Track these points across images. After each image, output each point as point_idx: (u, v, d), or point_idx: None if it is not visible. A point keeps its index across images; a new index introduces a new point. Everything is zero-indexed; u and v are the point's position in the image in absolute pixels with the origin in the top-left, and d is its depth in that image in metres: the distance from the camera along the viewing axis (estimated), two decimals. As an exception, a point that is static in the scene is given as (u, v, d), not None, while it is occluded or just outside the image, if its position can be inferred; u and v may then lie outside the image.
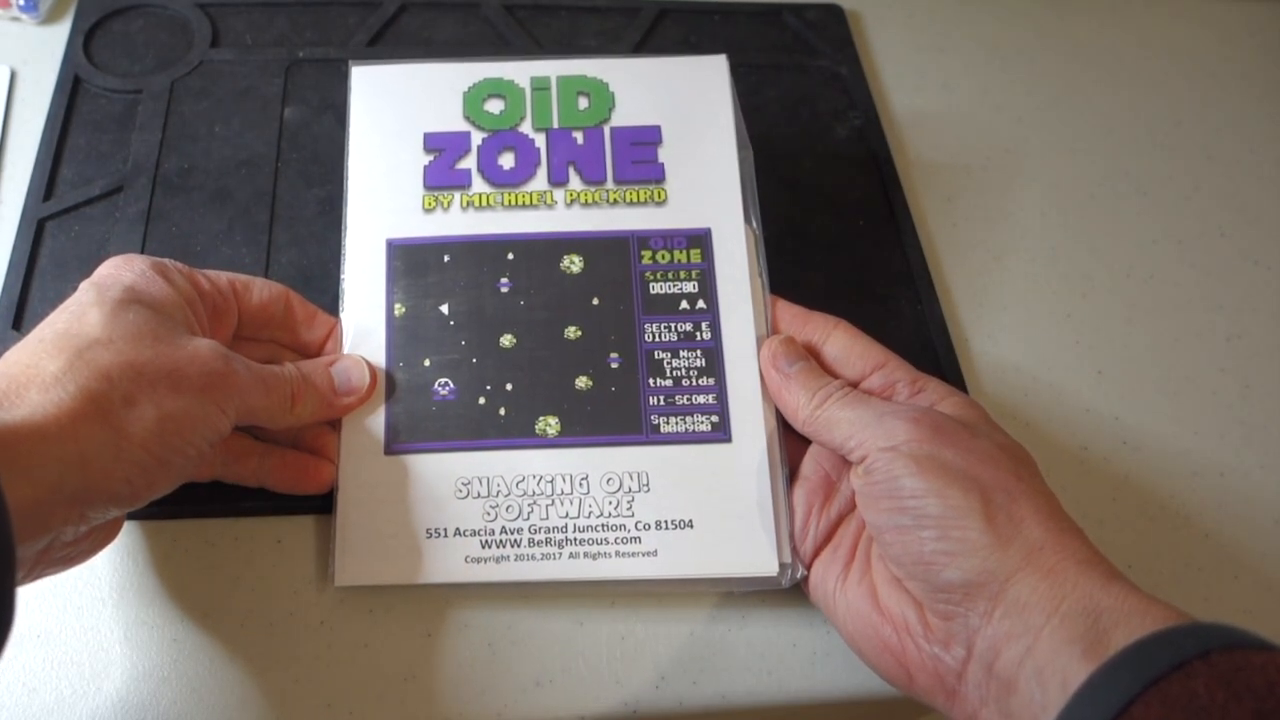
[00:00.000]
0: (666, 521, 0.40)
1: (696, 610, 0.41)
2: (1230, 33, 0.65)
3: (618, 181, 0.45)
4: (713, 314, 0.43)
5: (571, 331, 0.43)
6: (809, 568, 0.39)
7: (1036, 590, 0.32)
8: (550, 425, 0.41)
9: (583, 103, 0.46)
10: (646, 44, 0.58)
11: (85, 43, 0.53)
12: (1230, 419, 0.49)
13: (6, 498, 0.27)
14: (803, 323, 0.42)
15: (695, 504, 0.40)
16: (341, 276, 0.43)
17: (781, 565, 0.39)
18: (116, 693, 0.37)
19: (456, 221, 0.44)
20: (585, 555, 0.39)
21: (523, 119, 0.46)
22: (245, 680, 0.37)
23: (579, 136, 0.46)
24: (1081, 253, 0.54)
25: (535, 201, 0.44)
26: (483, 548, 0.39)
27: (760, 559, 0.39)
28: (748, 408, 0.41)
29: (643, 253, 0.44)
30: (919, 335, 0.48)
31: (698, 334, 0.43)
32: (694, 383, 0.42)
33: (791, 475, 0.41)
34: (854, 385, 0.40)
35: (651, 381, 0.42)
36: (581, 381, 0.42)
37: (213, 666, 0.38)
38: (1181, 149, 0.59)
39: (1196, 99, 0.62)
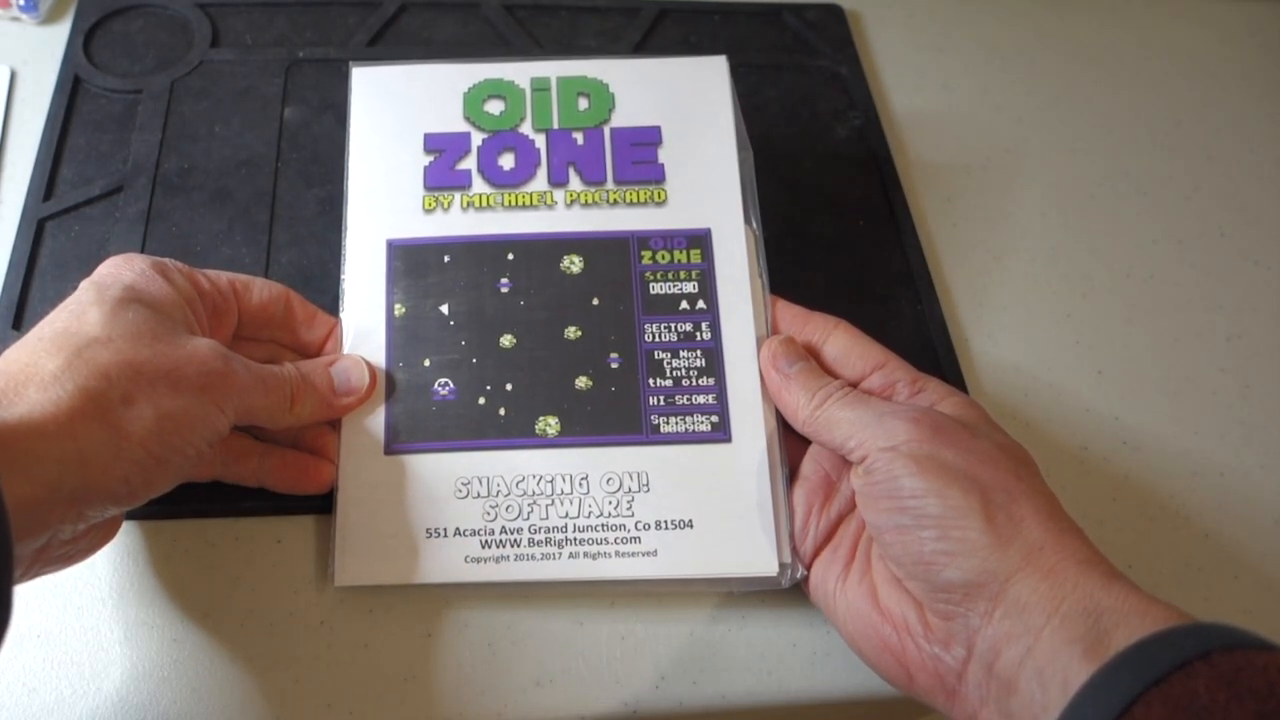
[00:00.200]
0: (666, 521, 0.40)
1: (696, 610, 0.41)
2: (1230, 33, 0.65)
3: (618, 182, 0.45)
4: (713, 314, 0.43)
5: (571, 331, 0.43)
6: (809, 568, 0.39)
7: (1037, 590, 0.32)
8: (550, 425, 0.41)
9: (583, 103, 0.46)
10: (646, 44, 0.58)
11: (85, 43, 0.53)
12: (1230, 419, 0.49)
13: (5, 496, 0.27)
14: (803, 323, 0.42)
15: (695, 504, 0.40)
16: (341, 276, 0.43)
17: (781, 565, 0.39)
18: (116, 693, 0.37)
19: (457, 222, 0.44)
20: (585, 555, 0.39)
21: (523, 120, 0.46)
22: (245, 680, 0.37)
23: (579, 137, 0.46)
24: (1081, 253, 0.54)
25: (535, 202, 0.44)
26: (482, 547, 0.39)
27: (760, 559, 0.39)
28: (748, 408, 0.41)
29: (643, 253, 0.44)
30: (919, 335, 0.48)
31: (698, 334, 0.43)
32: (694, 383, 0.42)
33: (791, 475, 0.41)
34: (854, 385, 0.40)
35: (651, 381, 0.42)
36: (581, 381, 0.42)
37: (213, 666, 0.38)
38: (1181, 149, 0.59)
39: (1196, 99, 0.62)
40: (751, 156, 0.46)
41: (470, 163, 0.45)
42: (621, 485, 0.40)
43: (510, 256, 0.44)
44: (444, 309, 0.43)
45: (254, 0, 0.56)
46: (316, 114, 0.52)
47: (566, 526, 0.40)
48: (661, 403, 0.42)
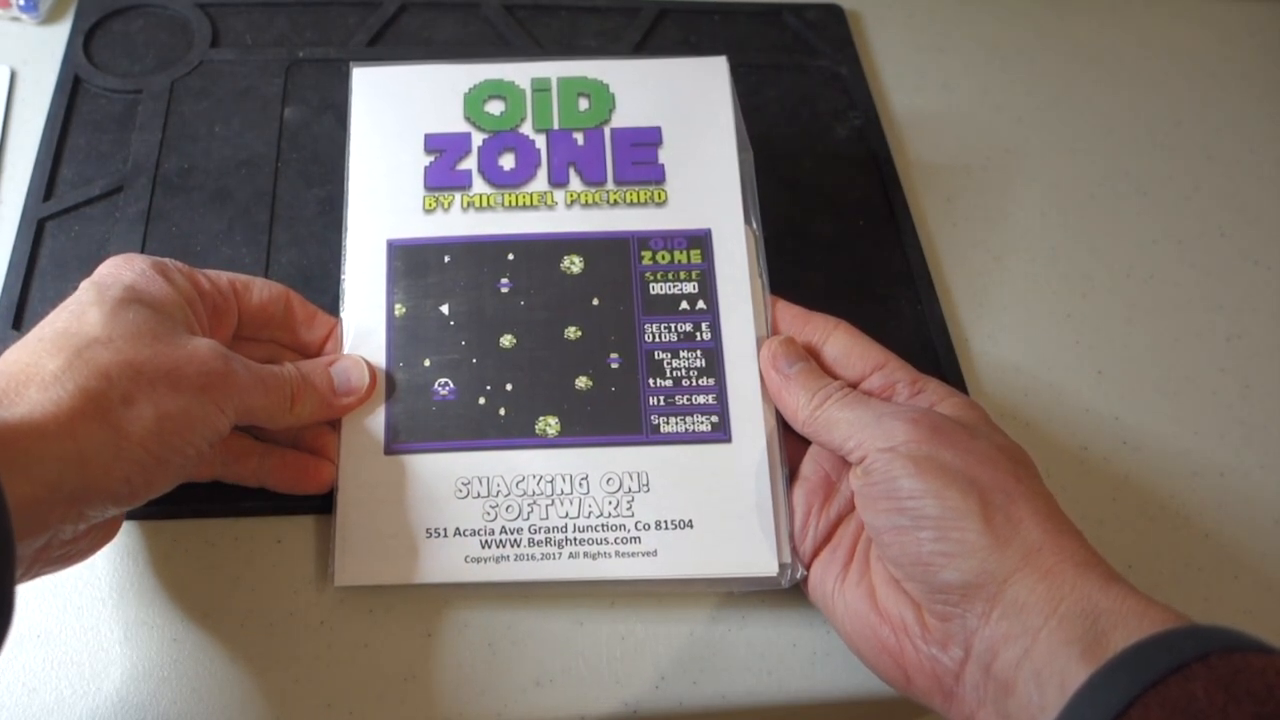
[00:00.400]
0: (666, 521, 0.40)
1: (696, 610, 0.41)
2: (1230, 33, 0.65)
3: (618, 182, 0.45)
4: (713, 314, 0.43)
5: (571, 332, 0.43)
6: (808, 568, 0.39)
7: (1034, 591, 0.32)
8: (550, 425, 0.41)
9: (583, 104, 0.46)
10: (646, 44, 0.58)
11: (85, 43, 0.53)
12: (1230, 419, 0.49)
13: (6, 495, 0.27)
14: (803, 323, 0.42)
15: (695, 504, 0.40)
16: (342, 277, 0.43)
17: (781, 565, 0.39)
18: (116, 692, 0.37)
19: (457, 222, 0.44)
20: (585, 555, 0.39)
21: (523, 120, 0.46)
22: (245, 680, 0.37)
23: (579, 137, 0.46)
24: (1081, 253, 0.54)
25: (535, 202, 0.44)
26: (482, 547, 0.39)
27: (760, 559, 0.39)
28: (747, 408, 0.41)
29: (643, 253, 0.44)
30: (919, 335, 0.48)
31: (698, 334, 0.43)
32: (694, 383, 0.42)
33: (791, 475, 0.41)
34: (854, 386, 0.40)
35: (651, 382, 0.42)
36: (581, 382, 0.42)
37: (213, 666, 0.38)
38: (1181, 149, 0.59)
39: (1196, 99, 0.62)
40: (751, 157, 0.46)
41: (471, 163, 0.45)
42: (621, 485, 0.40)
43: (510, 256, 0.44)
44: (444, 309, 0.43)
45: (254, 0, 0.56)
46: (316, 114, 0.52)
47: (566, 526, 0.40)
48: (661, 403, 0.42)
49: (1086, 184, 0.57)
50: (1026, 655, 0.31)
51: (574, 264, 0.44)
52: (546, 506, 0.40)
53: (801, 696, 0.39)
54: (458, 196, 0.44)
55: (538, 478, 0.40)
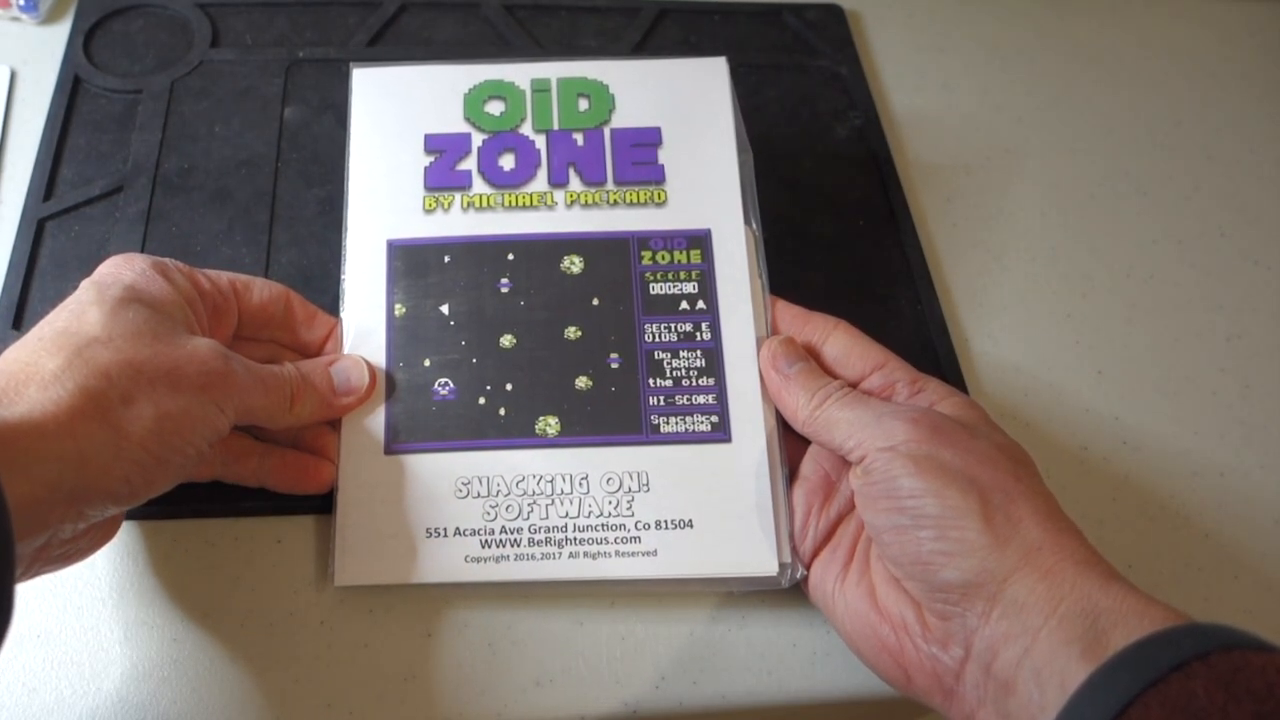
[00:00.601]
0: (666, 521, 0.40)
1: (696, 610, 0.41)
2: (1230, 33, 0.65)
3: (618, 182, 0.45)
4: (713, 314, 0.43)
5: (571, 332, 0.43)
6: (808, 568, 0.39)
7: (1034, 591, 0.32)
8: (550, 425, 0.41)
9: (583, 104, 0.46)
10: (646, 44, 0.58)
11: (85, 43, 0.53)
12: (1230, 419, 0.49)
13: (5, 494, 0.27)
14: (803, 323, 0.42)
15: (695, 504, 0.40)
16: (342, 277, 0.43)
17: (781, 565, 0.39)
18: (116, 692, 0.37)
19: (457, 222, 0.44)
20: (585, 555, 0.39)
21: (523, 120, 0.46)
22: (245, 680, 0.37)
23: (579, 138, 0.46)
24: (1081, 253, 0.54)
25: (535, 202, 0.45)
26: (482, 547, 0.39)
27: (760, 559, 0.39)
28: (747, 408, 0.41)
29: (643, 253, 0.44)
30: (919, 335, 0.48)
31: (698, 334, 0.43)
32: (694, 383, 0.42)
33: (791, 475, 0.41)
34: (853, 385, 0.40)
35: (651, 382, 0.42)
36: (581, 382, 0.42)
37: (213, 666, 0.38)
38: (1181, 149, 0.59)
39: (1196, 99, 0.62)
40: (751, 157, 0.46)
41: (470, 163, 0.45)
42: (621, 485, 0.40)
43: (510, 257, 0.44)
44: (444, 309, 0.43)
45: (254, 0, 0.56)
46: (316, 114, 0.52)
47: (566, 526, 0.40)
48: (661, 403, 0.42)
49: (1086, 184, 0.57)
50: (1027, 654, 0.31)
51: (574, 264, 0.44)
52: (546, 506, 0.40)
53: (801, 696, 0.39)
54: (458, 197, 0.44)
55: (538, 477, 0.40)
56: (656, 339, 0.43)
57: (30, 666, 0.37)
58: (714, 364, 0.42)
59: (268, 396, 0.37)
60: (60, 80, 0.52)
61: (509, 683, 0.38)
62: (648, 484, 0.40)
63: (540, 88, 0.47)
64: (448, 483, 0.40)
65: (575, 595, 0.40)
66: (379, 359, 0.42)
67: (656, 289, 0.43)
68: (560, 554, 0.39)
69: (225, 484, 0.40)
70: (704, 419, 0.41)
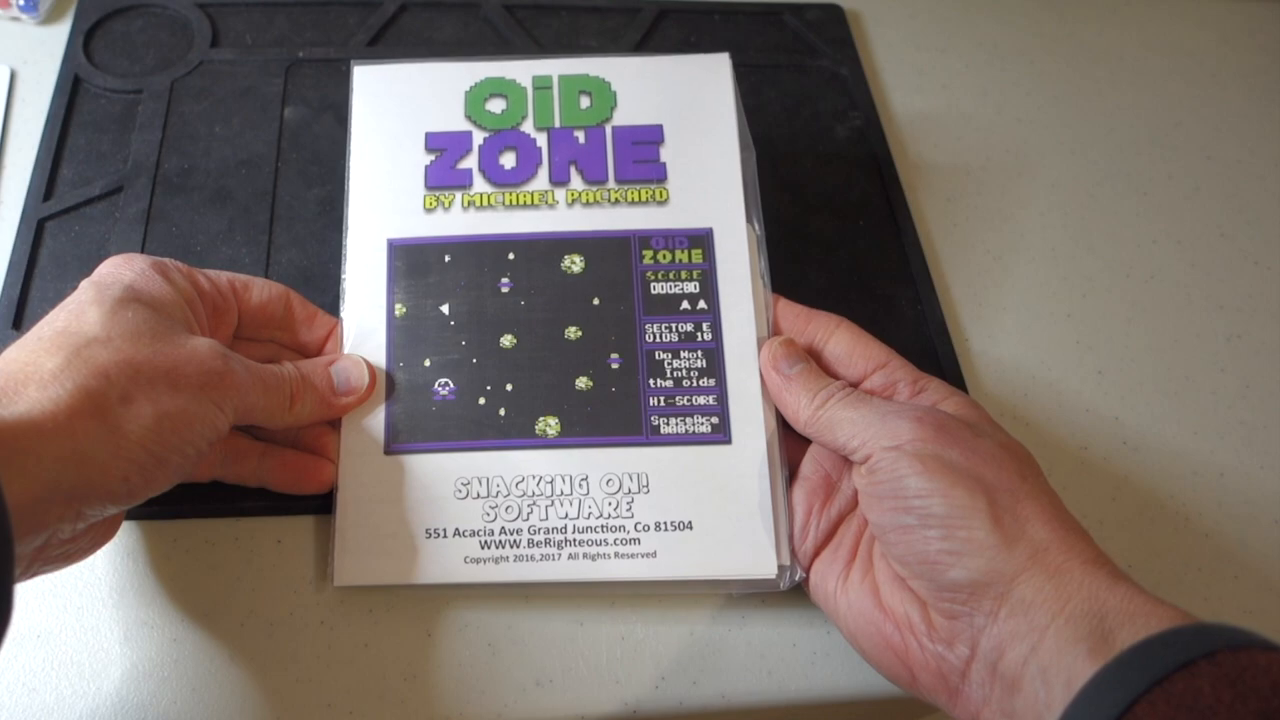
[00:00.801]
0: (666, 523, 0.40)
1: (696, 610, 0.41)
2: (1230, 33, 0.65)
3: (619, 181, 0.45)
4: (714, 315, 0.43)
5: (572, 332, 0.42)
6: (810, 567, 0.39)
7: (1042, 590, 0.32)
8: (550, 426, 0.41)
9: (584, 102, 0.46)
10: (646, 44, 0.58)
11: (85, 43, 0.53)
12: (1230, 419, 0.49)
13: (5, 493, 0.27)
14: (805, 322, 0.42)
15: (695, 505, 0.40)
16: (342, 276, 0.43)
17: (780, 567, 0.39)
18: (116, 692, 0.37)
19: (457, 221, 0.44)
20: (584, 556, 0.39)
21: (524, 118, 0.46)
22: (245, 680, 0.37)
23: (580, 136, 0.46)
24: (1081, 253, 0.54)
25: (536, 201, 0.44)
26: (482, 548, 0.39)
27: (759, 561, 0.39)
28: (748, 409, 0.41)
29: (644, 253, 0.44)
30: (919, 335, 0.48)
31: (698, 335, 0.43)
32: (694, 384, 0.42)
33: (791, 475, 0.41)
34: (855, 385, 0.40)
35: (652, 382, 0.42)
36: (582, 382, 0.42)
37: (213, 666, 0.38)
38: (1181, 149, 0.59)
39: (1196, 99, 0.62)
40: (754, 156, 0.46)
41: (471, 162, 0.45)
42: (621, 486, 0.40)
43: (511, 256, 0.44)
44: (444, 309, 0.43)
45: (254, 0, 0.56)
46: (316, 114, 0.52)
47: (566, 527, 0.40)
48: (662, 403, 0.41)
49: (1086, 184, 0.57)
50: (1033, 653, 0.31)
51: (575, 263, 0.44)
52: (546, 507, 0.40)
53: (801, 696, 0.39)
54: (458, 195, 0.44)
55: (537, 478, 0.40)
56: (657, 339, 0.42)
57: (30, 666, 0.37)
58: (715, 365, 0.42)
59: (267, 396, 0.37)
60: (60, 80, 0.52)
61: (509, 683, 0.38)
62: (647, 485, 0.40)
63: (542, 85, 0.47)
64: (447, 483, 0.40)
65: (575, 595, 0.40)
66: (379, 359, 0.42)
67: (657, 289, 0.43)
68: (560, 555, 0.39)
69: (225, 484, 0.40)
70: (704, 420, 0.41)
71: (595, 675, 0.39)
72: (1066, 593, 0.31)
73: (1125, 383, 0.49)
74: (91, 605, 0.38)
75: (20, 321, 0.44)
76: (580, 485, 0.40)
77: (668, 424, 0.41)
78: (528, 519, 0.40)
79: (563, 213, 0.44)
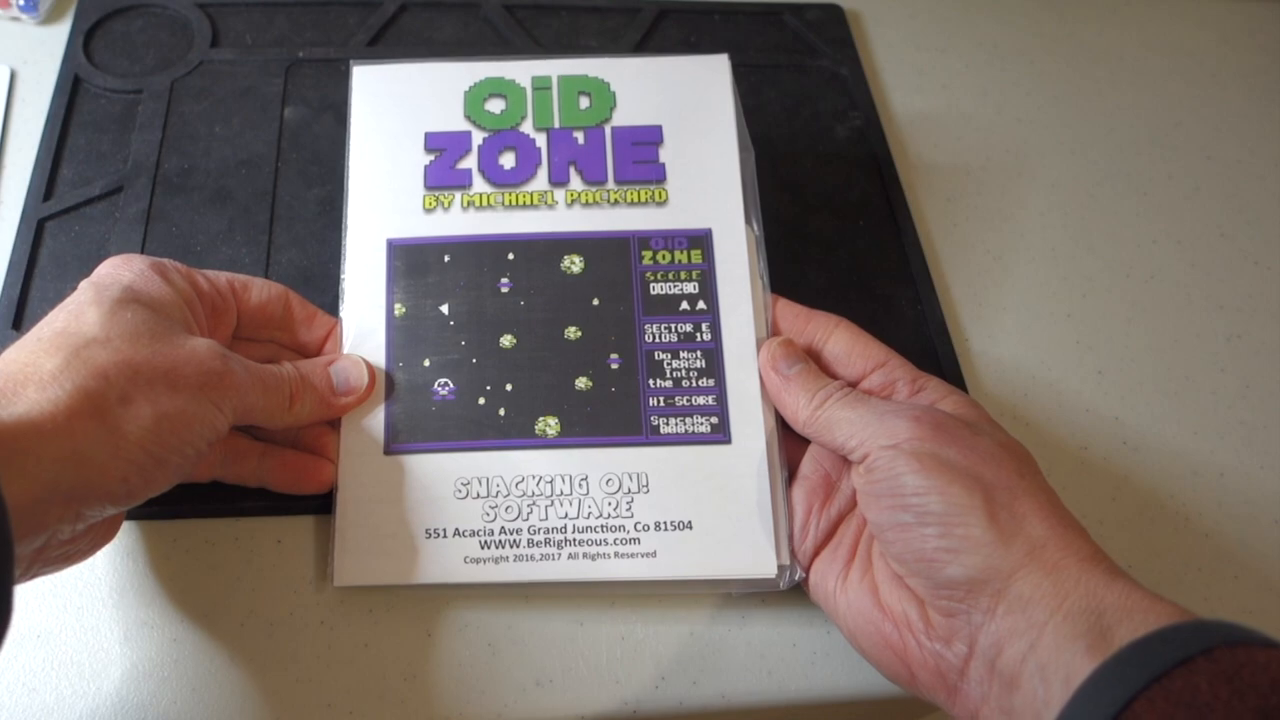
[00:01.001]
0: (665, 523, 0.40)
1: (696, 610, 0.41)
2: (1230, 33, 0.65)
3: (619, 181, 0.45)
4: (713, 315, 0.43)
5: (572, 332, 0.42)
6: (810, 566, 0.39)
7: (1040, 587, 0.32)
8: (550, 426, 0.41)
9: (584, 102, 0.46)
10: (646, 44, 0.58)
11: (85, 43, 0.53)
12: (1230, 419, 0.49)
13: (4, 494, 0.27)
14: (805, 322, 0.42)
15: (694, 505, 0.40)
16: (341, 276, 0.43)
17: (780, 567, 0.39)
18: (116, 692, 0.37)
19: (457, 221, 0.44)
20: (584, 556, 0.39)
21: (524, 118, 0.46)
22: (245, 680, 0.37)
23: (580, 136, 0.46)
24: (1081, 253, 0.54)
25: (536, 201, 0.44)
26: (482, 548, 0.39)
27: (759, 561, 0.39)
28: (747, 410, 0.41)
29: (643, 253, 0.44)
30: (919, 335, 0.48)
31: (698, 335, 0.43)
32: (694, 384, 0.42)
33: (791, 475, 0.41)
34: (854, 384, 0.40)
35: (651, 382, 0.42)
36: (581, 382, 0.42)
37: (213, 666, 0.38)
38: (1181, 149, 0.59)
39: (1196, 99, 0.62)
40: (753, 157, 0.46)
41: (471, 162, 0.45)
42: (621, 486, 0.40)
43: (510, 256, 0.44)
44: (444, 309, 0.43)
45: (254, 0, 0.56)
46: (316, 114, 0.52)
47: (566, 527, 0.40)
48: (661, 404, 0.42)
49: (1086, 184, 0.57)
50: (1032, 650, 0.31)
51: (574, 264, 0.44)
52: (546, 507, 0.40)
53: (801, 696, 0.39)
54: (458, 196, 0.44)
55: (537, 478, 0.40)
56: (657, 339, 0.42)
57: (30, 666, 0.37)
58: (714, 365, 0.42)
59: (266, 396, 0.37)
60: (60, 80, 0.52)
61: (509, 683, 0.38)
62: (647, 485, 0.40)
63: (541, 85, 0.47)
64: (447, 483, 0.40)
65: (575, 595, 0.40)
66: (379, 359, 0.42)
67: (657, 289, 0.43)
68: (559, 555, 0.39)
69: (225, 484, 0.40)
70: (704, 420, 0.41)
71: (595, 675, 0.39)
72: (1064, 589, 0.31)
73: (1125, 383, 0.49)
74: (91, 605, 0.38)
75: (20, 321, 0.44)
76: (580, 485, 0.40)
77: (667, 424, 0.41)
78: (527, 519, 0.40)
79: (562, 213, 0.44)
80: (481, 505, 0.40)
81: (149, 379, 0.33)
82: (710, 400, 0.42)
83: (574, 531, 0.40)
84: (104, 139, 0.50)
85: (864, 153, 0.54)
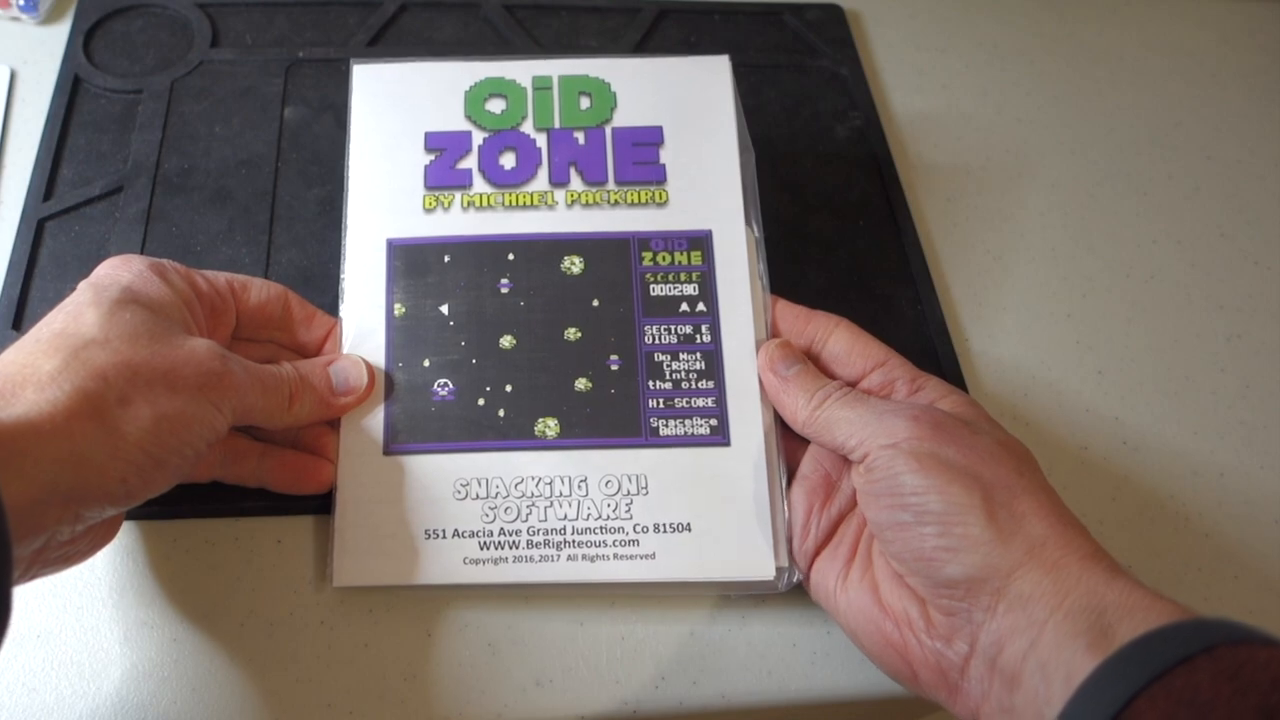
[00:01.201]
0: (664, 524, 0.40)
1: (696, 610, 0.41)
2: (1230, 33, 0.65)
3: (619, 182, 0.45)
4: (713, 317, 0.43)
5: (571, 333, 0.42)
6: (810, 566, 0.39)
7: (1040, 585, 0.32)
8: (549, 427, 0.41)
9: (584, 103, 0.46)
10: (646, 44, 0.58)
11: (85, 43, 0.53)
12: (1230, 419, 0.49)
13: (3, 496, 0.27)
14: (804, 322, 0.42)
15: (693, 507, 0.40)
16: (341, 276, 0.43)
17: (778, 569, 0.39)
18: (116, 692, 0.37)
19: (457, 222, 0.44)
20: (583, 557, 0.39)
21: (524, 119, 0.46)
22: (245, 680, 0.37)
23: (580, 137, 0.46)
24: (1081, 253, 0.54)
25: (536, 202, 0.44)
26: (481, 549, 0.39)
27: (757, 563, 0.39)
28: (747, 412, 0.41)
29: (643, 254, 0.44)
30: (919, 335, 0.48)
31: (697, 337, 0.43)
32: (693, 385, 0.42)
33: (791, 475, 0.41)
34: (853, 384, 0.40)
35: (651, 384, 0.42)
36: (581, 383, 0.42)
37: (213, 666, 0.38)
38: (1181, 149, 0.59)
39: (1196, 99, 0.62)
40: (753, 158, 0.46)
41: (471, 162, 0.45)
42: (620, 488, 0.40)
43: (510, 257, 0.44)
44: (444, 309, 0.43)
45: (254, 0, 0.56)
46: (316, 114, 0.52)
47: (565, 529, 0.40)
48: (661, 405, 0.41)
49: (1086, 184, 0.57)
50: (1032, 648, 0.31)
51: (574, 264, 0.44)
52: (545, 508, 0.40)
53: (801, 696, 0.39)
54: (458, 196, 0.44)
55: (536, 479, 0.40)
56: (656, 341, 0.42)
57: (30, 666, 0.37)
58: (713, 367, 0.42)
59: (266, 396, 0.37)
60: (60, 80, 0.52)
61: (509, 683, 0.38)
62: (646, 487, 0.40)
63: (541, 85, 0.47)
64: (447, 484, 0.40)
65: (575, 595, 0.40)
66: (378, 359, 0.42)
67: (657, 290, 0.43)
68: (559, 556, 0.39)
69: (225, 484, 0.40)
70: (703, 422, 0.41)
71: (595, 675, 0.39)
72: (1065, 587, 0.32)
73: (1125, 383, 0.49)
74: (91, 605, 0.38)
75: (20, 322, 0.44)
76: (579, 486, 0.40)
77: (666, 426, 0.41)
78: (527, 520, 0.40)
79: (562, 214, 0.44)
80: (481, 506, 0.40)
81: (148, 380, 0.33)
82: (710, 402, 0.42)
83: (573, 533, 0.40)
84: (104, 139, 0.50)
85: (864, 153, 0.54)
